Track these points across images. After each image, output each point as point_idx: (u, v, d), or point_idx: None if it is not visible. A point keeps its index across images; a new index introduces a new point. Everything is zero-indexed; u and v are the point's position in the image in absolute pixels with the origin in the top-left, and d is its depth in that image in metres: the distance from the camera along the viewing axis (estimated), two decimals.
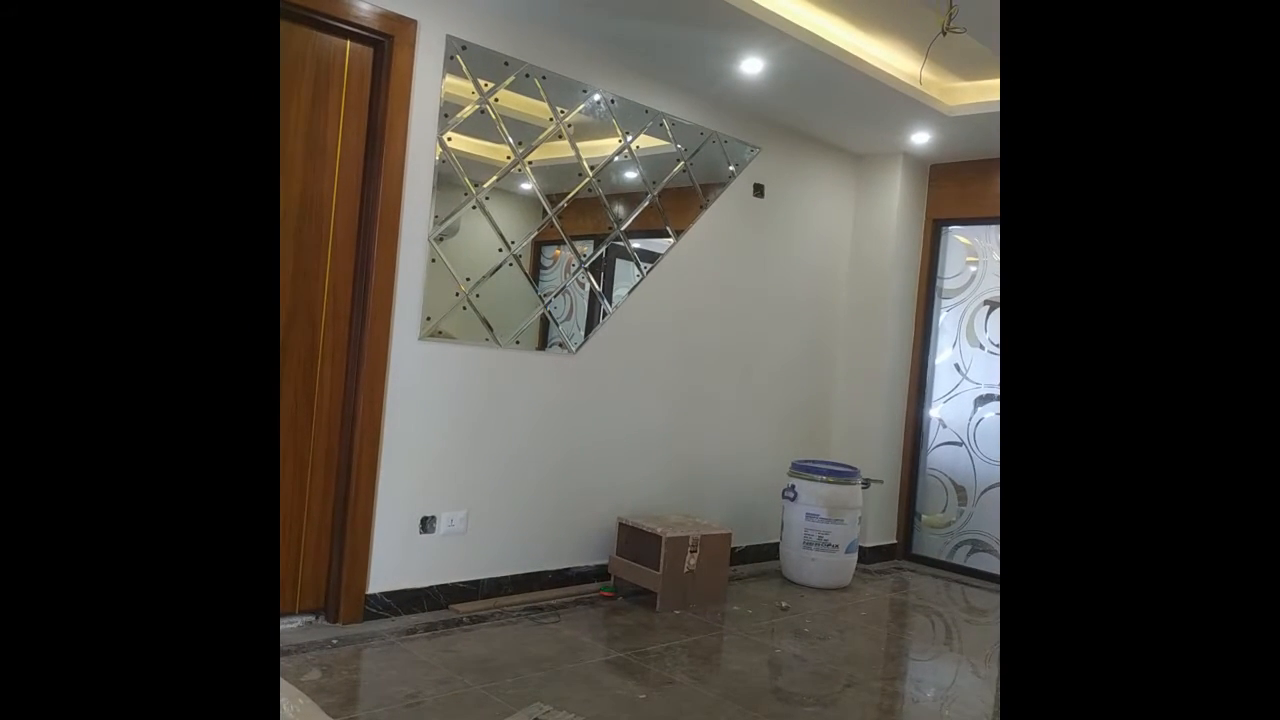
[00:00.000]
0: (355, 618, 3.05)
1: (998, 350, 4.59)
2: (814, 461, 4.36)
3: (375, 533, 3.08)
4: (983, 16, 2.79)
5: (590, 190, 3.65)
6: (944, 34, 2.90)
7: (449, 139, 3.17)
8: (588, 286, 3.75)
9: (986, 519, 4.73)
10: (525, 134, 3.42)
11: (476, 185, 3.28)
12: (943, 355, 4.96)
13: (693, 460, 4.14)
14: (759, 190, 4.36)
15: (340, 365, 3.03)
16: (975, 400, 4.81)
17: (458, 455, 3.30)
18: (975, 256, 4.89)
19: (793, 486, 4.26)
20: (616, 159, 3.73)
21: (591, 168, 3.63)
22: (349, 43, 2.95)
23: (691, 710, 2.66)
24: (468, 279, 3.29)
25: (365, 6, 2.90)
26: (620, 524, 3.73)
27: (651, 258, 3.95)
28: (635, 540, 3.69)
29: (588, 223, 3.70)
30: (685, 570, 3.57)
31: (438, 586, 3.27)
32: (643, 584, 3.61)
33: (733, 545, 4.08)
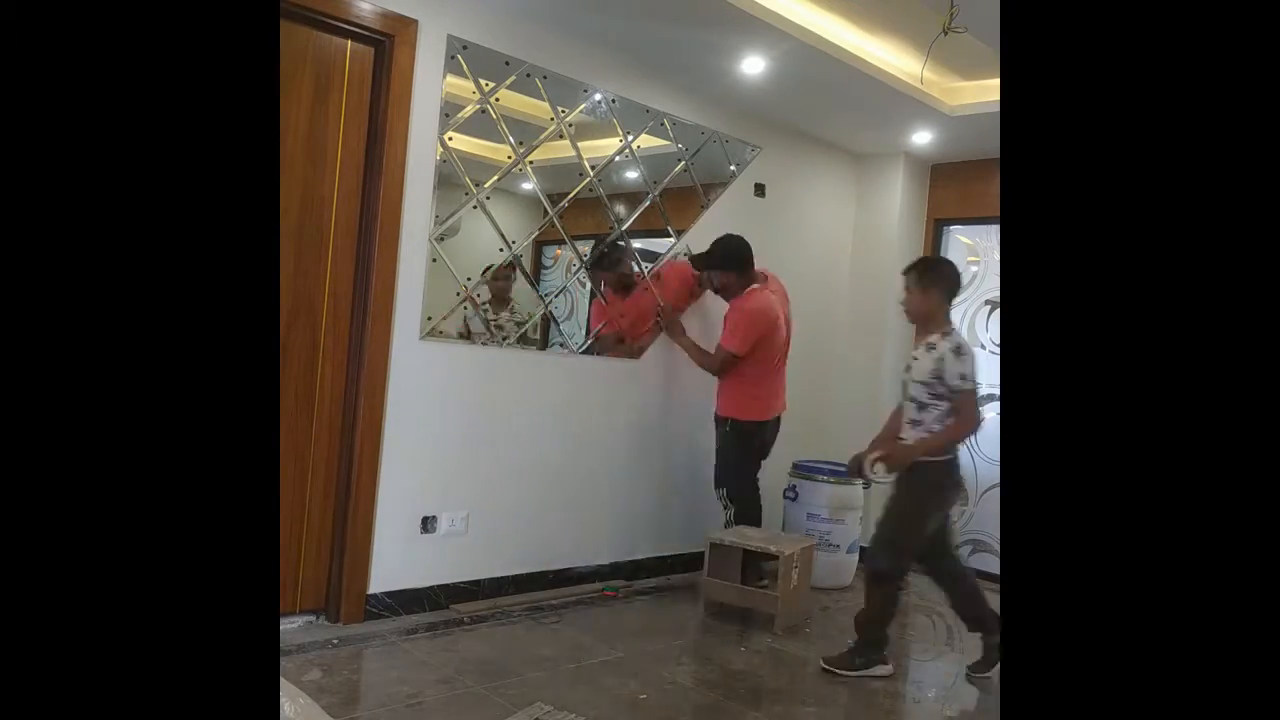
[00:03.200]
0: (356, 618, 3.05)
1: (999, 350, 4.58)
2: (815, 462, 4.36)
3: (376, 533, 3.08)
4: (984, 16, 2.79)
5: (591, 190, 3.64)
6: (945, 33, 2.90)
7: (450, 139, 3.17)
8: (589, 286, 3.75)
9: (987, 519, 4.72)
10: (526, 134, 3.41)
11: (477, 185, 3.28)
12: None
13: (694, 460, 4.13)
14: (760, 190, 4.36)
15: (341, 365, 3.02)
16: None
17: (459, 455, 3.29)
18: (976, 256, 4.88)
19: (794, 487, 4.26)
20: (617, 159, 3.73)
21: (592, 167, 3.63)
22: (349, 43, 2.95)
23: (692, 710, 2.66)
24: (469, 279, 3.28)
25: (366, 6, 2.90)
26: (712, 544, 3.61)
27: (653, 257, 3.95)
28: (732, 559, 3.60)
29: (589, 222, 3.70)
30: (791, 587, 3.52)
31: (439, 586, 3.27)
32: (756, 605, 3.54)
33: None
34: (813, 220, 4.69)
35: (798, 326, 4.65)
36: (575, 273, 3.68)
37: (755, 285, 3.72)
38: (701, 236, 4.09)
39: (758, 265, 3.81)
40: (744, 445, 3.77)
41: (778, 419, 3.89)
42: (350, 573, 3.03)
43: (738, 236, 3.76)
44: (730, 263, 3.71)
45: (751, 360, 3.69)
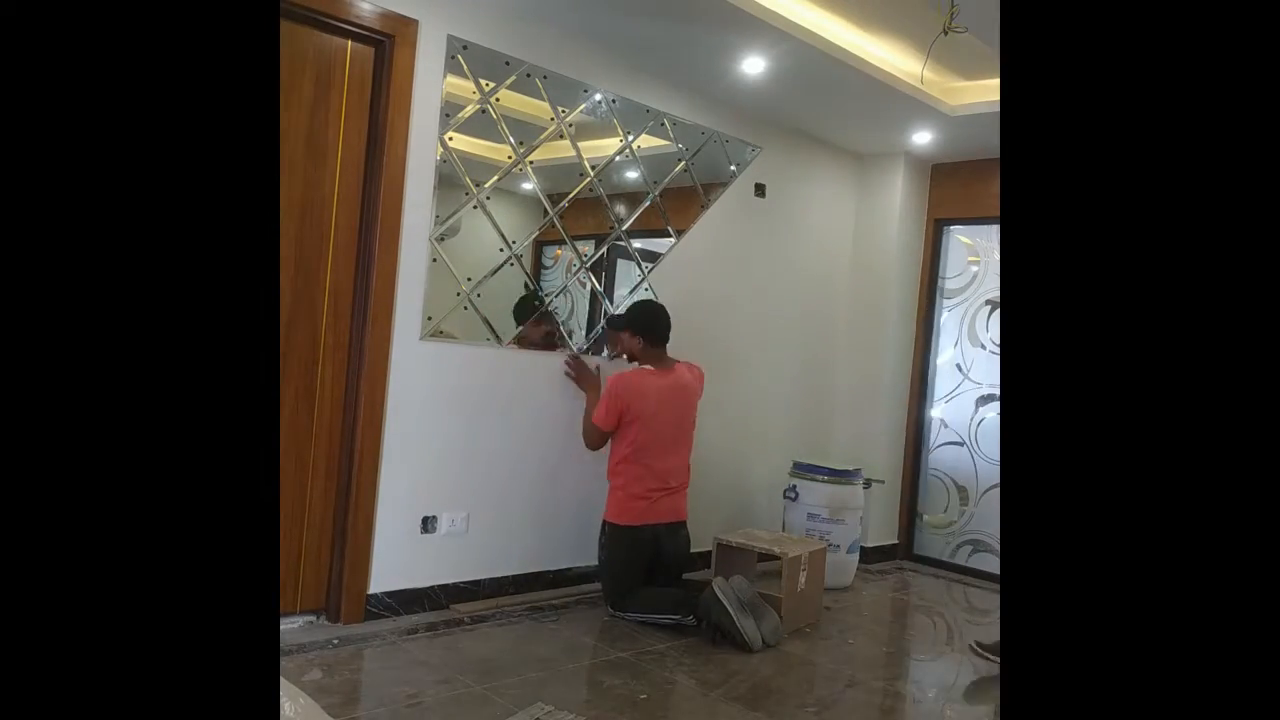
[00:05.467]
0: (356, 618, 3.05)
1: (999, 350, 4.58)
2: (815, 462, 4.36)
3: (376, 533, 3.08)
4: (984, 16, 2.79)
5: (591, 190, 3.64)
6: (945, 33, 2.90)
7: (450, 139, 3.17)
8: (589, 286, 3.75)
9: (988, 519, 4.72)
10: (526, 134, 3.41)
11: (478, 185, 3.28)
12: (944, 355, 4.96)
13: (694, 460, 4.14)
14: (760, 190, 4.36)
15: (341, 365, 3.02)
16: (977, 400, 4.81)
17: (459, 455, 3.29)
18: (977, 256, 4.88)
19: (794, 487, 4.26)
20: (617, 159, 3.73)
21: (593, 167, 3.63)
22: (350, 43, 2.95)
23: (692, 710, 2.66)
24: (469, 279, 3.29)
25: (366, 6, 2.90)
26: (720, 544, 3.63)
27: (653, 257, 3.95)
28: (738, 560, 3.61)
29: (589, 222, 3.70)
30: (798, 589, 3.51)
31: (439, 586, 3.27)
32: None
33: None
34: (813, 220, 4.69)
35: (796, 327, 4.66)
36: (575, 273, 3.68)
37: (648, 367, 3.47)
38: (702, 236, 4.09)
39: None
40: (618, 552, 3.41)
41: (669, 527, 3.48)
42: (350, 573, 3.03)
43: (658, 304, 3.59)
44: (636, 325, 3.49)
45: (625, 443, 3.41)
